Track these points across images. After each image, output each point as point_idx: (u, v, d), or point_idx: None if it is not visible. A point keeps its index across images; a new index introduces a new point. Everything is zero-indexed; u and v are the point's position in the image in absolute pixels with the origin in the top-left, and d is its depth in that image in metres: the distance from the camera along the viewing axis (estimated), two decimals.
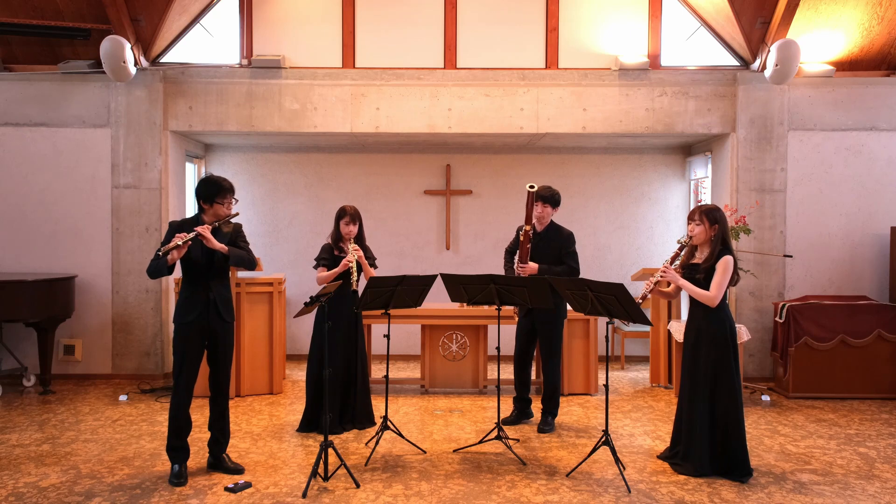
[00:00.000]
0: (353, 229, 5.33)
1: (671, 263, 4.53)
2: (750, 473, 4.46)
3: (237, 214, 4.45)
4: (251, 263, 4.49)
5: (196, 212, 4.45)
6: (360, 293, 4.96)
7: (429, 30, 7.31)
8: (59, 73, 7.02)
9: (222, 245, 4.30)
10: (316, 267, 5.37)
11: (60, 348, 7.04)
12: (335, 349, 5.32)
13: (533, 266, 5.36)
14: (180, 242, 4.13)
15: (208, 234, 4.21)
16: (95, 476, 4.48)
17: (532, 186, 5.38)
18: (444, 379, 6.66)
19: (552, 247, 5.46)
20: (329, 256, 5.32)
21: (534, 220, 5.49)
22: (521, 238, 5.37)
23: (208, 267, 4.33)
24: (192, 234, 4.18)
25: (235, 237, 4.46)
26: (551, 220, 5.54)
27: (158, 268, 4.22)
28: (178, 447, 4.37)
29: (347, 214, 5.33)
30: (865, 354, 6.47)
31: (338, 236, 5.36)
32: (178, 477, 4.31)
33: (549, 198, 5.48)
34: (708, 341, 4.45)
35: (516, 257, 5.46)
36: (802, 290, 7.08)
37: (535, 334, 5.58)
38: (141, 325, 7.07)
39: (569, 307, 6.07)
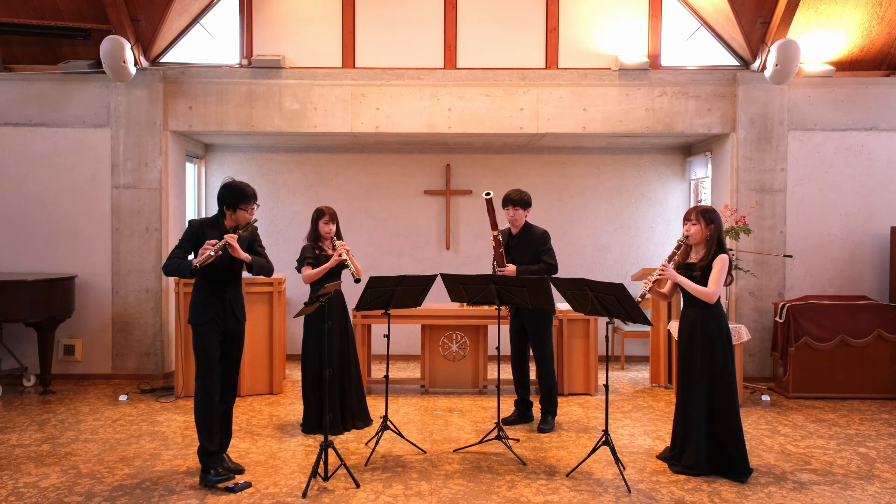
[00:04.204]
0: (332, 229, 5.35)
1: (668, 262, 4.55)
2: (749, 472, 4.46)
3: (257, 220, 4.48)
4: (270, 271, 4.55)
5: (216, 213, 4.45)
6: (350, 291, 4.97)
7: (429, 30, 7.31)
8: (59, 73, 7.02)
9: (247, 255, 4.36)
10: (299, 268, 5.35)
11: (60, 348, 7.04)
12: (332, 349, 5.31)
13: (511, 268, 5.43)
14: (212, 253, 4.16)
15: (236, 244, 4.26)
16: (95, 476, 4.48)
17: (488, 194, 5.49)
18: (444, 379, 6.66)
19: (529, 247, 5.52)
20: (312, 256, 5.32)
21: (508, 224, 5.61)
22: (493, 244, 5.48)
23: (226, 271, 4.37)
24: (222, 243, 4.21)
25: (252, 241, 4.50)
26: (525, 221, 5.58)
27: (181, 270, 4.27)
28: (213, 452, 4.33)
29: (326, 214, 5.35)
30: (865, 354, 6.46)
31: (316, 236, 5.36)
32: (220, 476, 4.27)
33: (519, 200, 5.52)
34: (703, 341, 4.46)
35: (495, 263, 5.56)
36: (802, 290, 7.08)
37: (526, 333, 5.60)
38: (141, 325, 7.07)
39: (559, 306, 6.11)
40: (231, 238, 4.24)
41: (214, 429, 4.33)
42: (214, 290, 4.35)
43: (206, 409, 4.31)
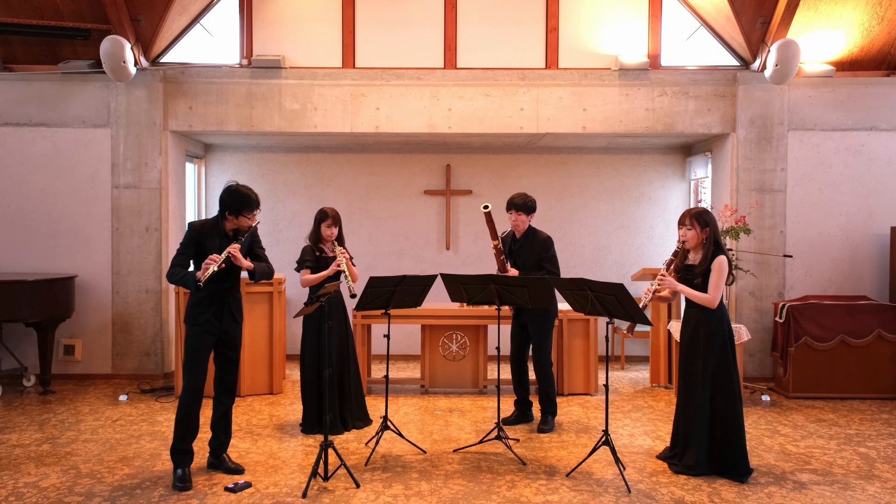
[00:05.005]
0: (334, 232, 5.32)
1: (667, 270, 4.55)
2: (749, 472, 4.46)
3: (259, 223, 4.46)
4: (272, 275, 4.55)
5: (216, 215, 4.42)
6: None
7: (429, 30, 7.31)
8: (59, 73, 7.02)
9: (249, 264, 4.35)
10: (298, 269, 5.34)
11: (60, 348, 7.04)
12: (331, 349, 5.31)
13: (514, 272, 5.43)
14: (215, 268, 4.15)
15: (239, 255, 4.25)
16: (95, 476, 4.48)
17: (486, 207, 5.49)
18: (444, 379, 6.66)
19: (532, 252, 5.49)
20: (312, 258, 5.31)
21: (511, 228, 5.60)
22: (494, 252, 5.48)
23: (226, 272, 4.34)
24: (224, 255, 4.19)
25: (252, 242, 4.49)
26: (529, 226, 5.56)
27: (185, 282, 4.26)
28: (184, 451, 4.34)
29: (329, 217, 5.30)
30: (865, 354, 6.46)
31: (317, 238, 5.34)
32: (183, 481, 4.27)
33: (522, 205, 5.49)
34: (705, 341, 4.46)
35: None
36: (802, 290, 7.08)
37: (527, 334, 5.59)
38: (141, 325, 7.07)
39: (560, 307, 6.11)
40: (234, 249, 4.22)
41: (190, 429, 4.33)
42: (213, 291, 4.32)
43: (186, 409, 4.31)
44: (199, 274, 4.18)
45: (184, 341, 4.36)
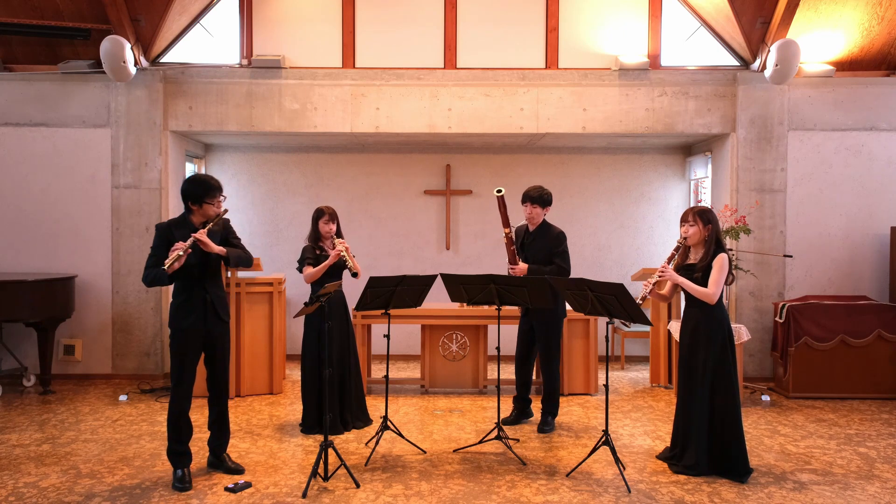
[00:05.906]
0: (332, 228, 5.36)
1: (668, 264, 4.56)
2: (749, 472, 4.46)
3: (227, 211, 4.38)
4: (249, 261, 4.45)
5: (183, 212, 4.34)
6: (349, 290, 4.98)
7: (429, 30, 7.31)
8: (59, 73, 7.02)
9: (221, 248, 4.25)
10: (300, 269, 5.34)
11: (60, 348, 7.04)
12: (332, 349, 5.31)
13: (523, 266, 5.39)
14: (181, 253, 4.06)
15: (206, 240, 4.16)
16: (95, 476, 4.48)
17: (499, 191, 5.45)
18: (444, 379, 6.66)
19: (544, 247, 5.46)
20: (312, 256, 5.32)
21: (525, 221, 5.55)
22: (505, 241, 5.43)
23: (203, 270, 4.27)
24: (190, 242, 4.11)
25: (226, 234, 4.39)
26: (543, 220, 5.52)
27: (158, 278, 4.16)
28: (181, 451, 4.33)
29: (326, 214, 5.35)
30: (865, 354, 6.46)
31: (316, 236, 5.37)
32: (183, 482, 4.26)
33: (538, 198, 5.46)
34: (704, 341, 4.46)
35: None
36: (802, 290, 7.08)
37: (534, 334, 5.57)
38: (141, 325, 7.07)
39: (568, 307, 6.10)
40: (200, 234, 4.13)
41: (183, 431, 4.31)
42: (194, 292, 4.26)
43: (176, 413, 4.28)
44: (165, 263, 4.04)
45: (170, 346, 4.29)
